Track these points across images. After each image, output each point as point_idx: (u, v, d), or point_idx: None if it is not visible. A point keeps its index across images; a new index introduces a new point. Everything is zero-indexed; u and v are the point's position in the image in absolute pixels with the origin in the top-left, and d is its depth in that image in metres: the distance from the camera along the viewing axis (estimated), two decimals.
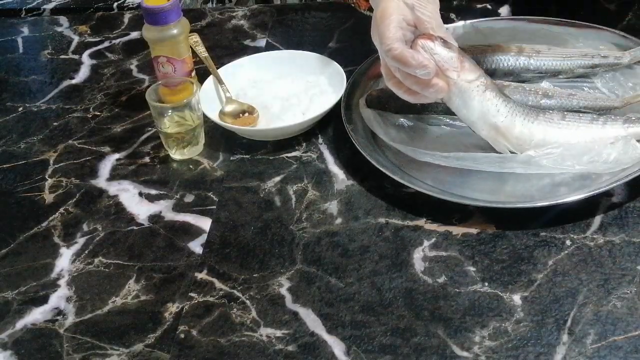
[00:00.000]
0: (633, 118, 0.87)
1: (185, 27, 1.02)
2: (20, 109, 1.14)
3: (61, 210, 0.93)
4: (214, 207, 0.90)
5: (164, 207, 0.92)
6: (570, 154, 0.84)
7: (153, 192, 0.94)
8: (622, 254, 0.78)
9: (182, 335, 0.75)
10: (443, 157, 0.88)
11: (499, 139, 0.85)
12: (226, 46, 1.23)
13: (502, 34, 1.04)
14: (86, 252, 0.86)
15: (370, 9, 0.97)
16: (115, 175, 0.98)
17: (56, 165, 1.01)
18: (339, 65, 1.04)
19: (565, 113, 0.88)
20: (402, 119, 0.96)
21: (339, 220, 0.86)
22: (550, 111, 0.88)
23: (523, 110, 0.85)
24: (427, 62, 0.80)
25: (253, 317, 0.76)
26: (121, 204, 0.93)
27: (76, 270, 0.84)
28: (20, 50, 1.30)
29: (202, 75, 1.07)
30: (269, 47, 1.21)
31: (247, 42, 1.24)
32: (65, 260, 0.86)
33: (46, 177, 0.99)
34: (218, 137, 1.01)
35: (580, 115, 0.88)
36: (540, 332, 0.71)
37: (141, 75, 1.19)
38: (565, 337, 0.70)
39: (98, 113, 1.11)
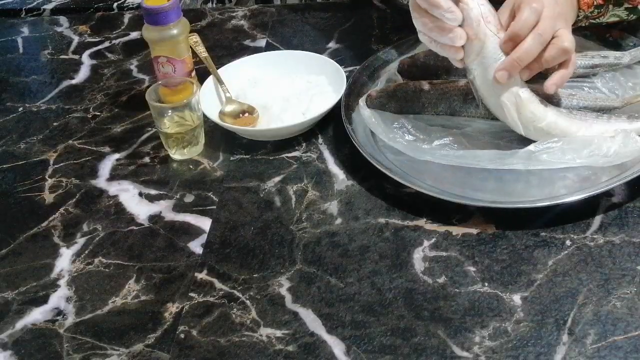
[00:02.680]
0: (636, 115, 0.87)
1: (185, 27, 1.02)
2: (20, 109, 1.14)
3: (61, 210, 0.93)
4: (214, 207, 0.90)
5: (164, 207, 0.92)
6: (571, 148, 0.84)
7: (153, 192, 0.94)
8: (622, 254, 0.78)
9: (182, 335, 0.75)
10: (443, 155, 0.87)
11: (513, 109, 0.85)
12: (226, 46, 1.23)
13: None
14: (86, 252, 0.86)
15: None
16: (115, 175, 0.98)
17: (56, 166, 1.01)
18: (339, 65, 1.04)
19: (572, 109, 0.88)
20: (401, 119, 0.96)
21: (339, 220, 0.86)
22: (558, 107, 0.88)
23: (537, 95, 0.86)
24: (456, 9, 0.80)
25: (253, 317, 0.76)
26: (121, 204, 0.93)
27: (76, 271, 0.84)
28: (20, 50, 1.30)
29: (202, 75, 1.07)
30: (269, 47, 1.21)
31: (247, 42, 1.24)
32: (65, 261, 0.86)
33: (46, 177, 0.99)
34: (218, 137, 1.01)
35: (586, 113, 0.88)
36: (540, 332, 0.71)
37: (141, 75, 1.19)
38: (565, 337, 0.70)
39: (98, 113, 1.11)
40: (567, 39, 0.82)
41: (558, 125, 0.85)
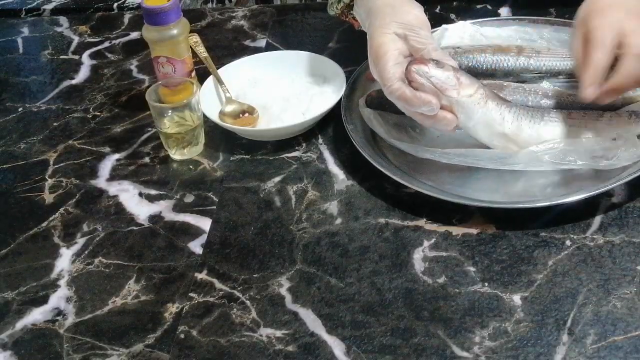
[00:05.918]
0: (638, 111, 0.87)
1: (185, 28, 1.02)
2: (20, 109, 1.14)
3: (61, 210, 0.93)
4: (214, 207, 0.90)
5: (164, 208, 0.92)
6: (572, 150, 0.84)
7: (153, 192, 0.94)
8: (622, 254, 0.78)
9: (182, 336, 0.75)
10: (444, 153, 0.87)
11: (510, 145, 0.84)
12: (226, 46, 1.23)
13: (502, 36, 1.04)
14: (86, 252, 0.86)
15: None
16: (115, 175, 0.98)
17: (56, 166, 1.01)
18: (338, 66, 1.04)
19: (571, 111, 0.88)
20: (402, 120, 0.96)
21: (339, 221, 0.86)
22: (555, 110, 0.88)
23: (527, 113, 0.85)
24: (430, 98, 0.80)
25: (253, 318, 0.76)
26: (121, 204, 0.93)
27: (76, 271, 0.84)
28: (20, 51, 1.30)
29: (202, 75, 1.07)
30: (269, 47, 1.21)
31: (247, 42, 1.24)
32: (65, 261, 0.86)
33: (46, 177, 0.99)
34: (218, 137, 1.01)
35: (585, 112, 0.87)
36: (540, 332, 0.71)
37: (141, 76, 1.19)
38: (565, 337, 0.70)
39: (98, 113, 1.11)
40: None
41: (556, 135, 0.85)
